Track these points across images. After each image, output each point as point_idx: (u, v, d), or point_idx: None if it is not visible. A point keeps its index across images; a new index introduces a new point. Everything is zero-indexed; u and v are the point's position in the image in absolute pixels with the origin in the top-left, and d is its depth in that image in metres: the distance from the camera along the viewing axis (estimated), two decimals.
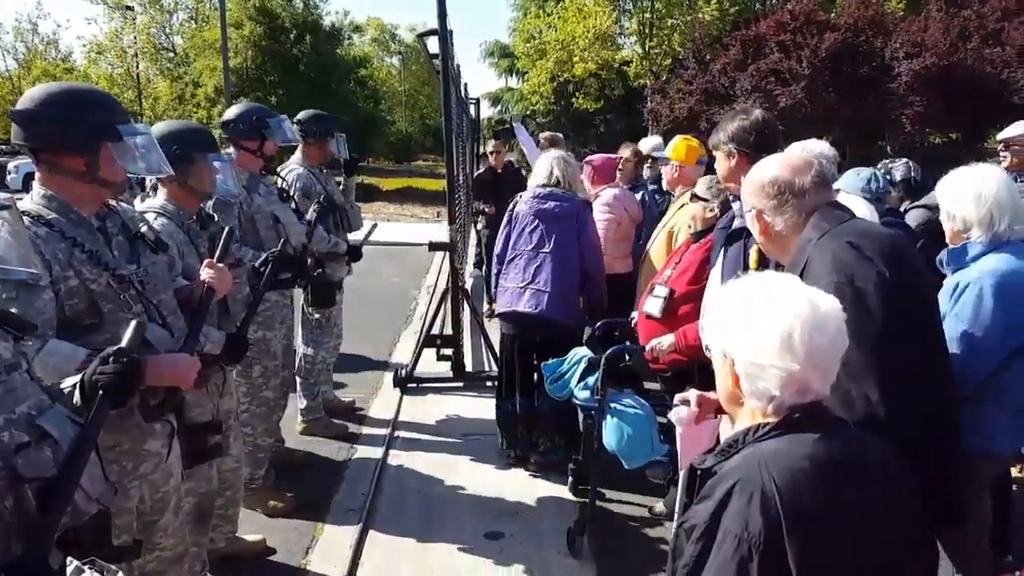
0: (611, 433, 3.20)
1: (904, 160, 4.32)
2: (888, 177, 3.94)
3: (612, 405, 3.26)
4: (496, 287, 4.20)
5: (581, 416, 3.43)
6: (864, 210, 2.47)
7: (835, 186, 3.53)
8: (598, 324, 3.85)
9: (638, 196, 4.96)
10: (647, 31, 23.40)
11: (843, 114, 18.47)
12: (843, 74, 18.19)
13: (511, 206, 4.15)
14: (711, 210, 3.31)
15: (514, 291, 3.97)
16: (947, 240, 2.55)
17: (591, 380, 3.34)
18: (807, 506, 1.21)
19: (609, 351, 3.28)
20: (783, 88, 18.34)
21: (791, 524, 1.19)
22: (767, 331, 1.29)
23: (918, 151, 18.06)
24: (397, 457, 4.28)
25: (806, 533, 1.19)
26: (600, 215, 4.41)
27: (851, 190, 3.16)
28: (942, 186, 2.53)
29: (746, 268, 2.23)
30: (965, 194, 2.41)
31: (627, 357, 3.32)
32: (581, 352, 3.57)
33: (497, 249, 4.21)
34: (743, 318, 1.33)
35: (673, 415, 2.08)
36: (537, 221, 3.96)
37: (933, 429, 1.62)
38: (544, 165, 4.10)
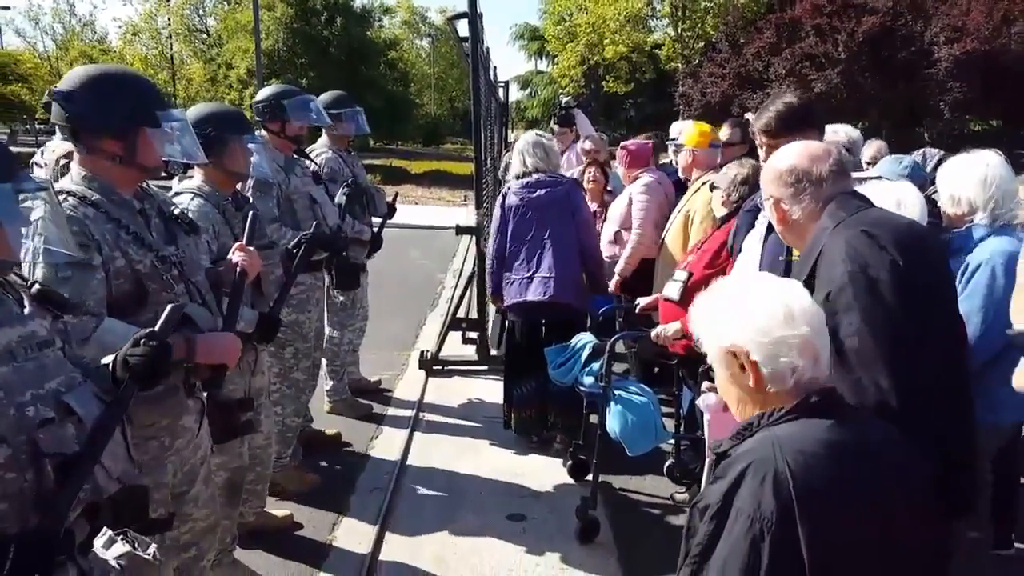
0: (615, 420, 3.20)
1: (921, 150, 4.29)
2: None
3: (616, 392, 3.26)
4: (494, 283, 4.16)
5: (585, 402, 3.43)
6: (914, 197, 2.49)
7: (875, 173, 3.48)
8: (601, 310, 3.83)
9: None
10: (679, 13, 23.08)
11: (880, 100, 18.07)
12: (881, 59, 17.77)
13: (500, 200, 4.12)
14: (727, 194, 3.28)
15: (520, 282, 3.98)
16: (944, 224, 2.59)
17: (595, 366, 3.33)
18: (819, 488, 1.22)
19: (615, 337, 3.26)
20: (818, 73, 17.98)
21: (803, 505, 1.20)
22: (770, 309, 1.35)
23: (957, 138, 17.60)
24: (421, 438, 4.34)
25: (817, 514, 1.21)
26: (639, 198, 4.39)
27: (892, 177, 3.13)
28: (944, 172, 2.61)
29: (788, 253, 2.18)
30: (971, 178, 2.48)
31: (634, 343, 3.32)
32: (585, 338, 3.57)
33: (493, 248, 4.17)
34: (745, 308, 1.37)
35: (701, 402, 2.08)
36: (530, 211, 3.97)
37: (945, 419, 1.60)
38: (516, 157, 4.08)
